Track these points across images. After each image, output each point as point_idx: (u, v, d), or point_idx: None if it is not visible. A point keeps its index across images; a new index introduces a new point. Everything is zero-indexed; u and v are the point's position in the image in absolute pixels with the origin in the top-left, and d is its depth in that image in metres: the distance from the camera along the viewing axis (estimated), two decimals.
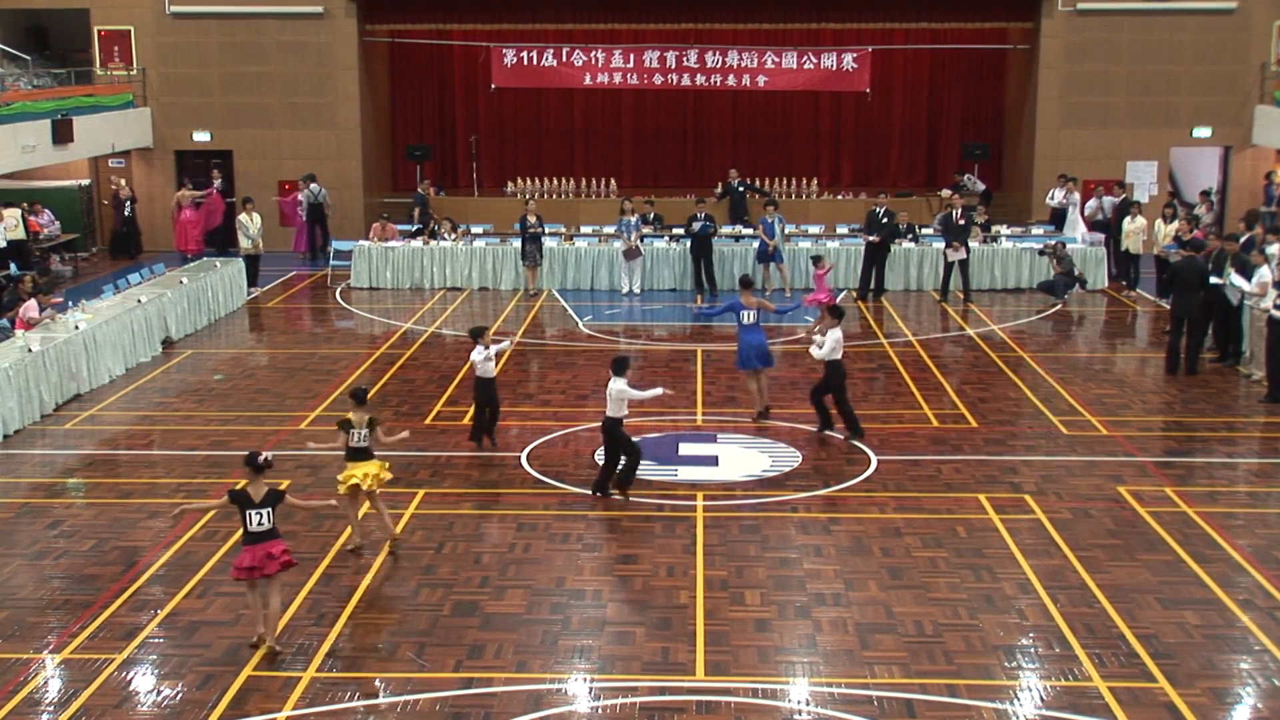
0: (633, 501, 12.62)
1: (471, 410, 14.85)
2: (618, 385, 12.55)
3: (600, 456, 13.22)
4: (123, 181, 28.66)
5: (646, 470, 13.38)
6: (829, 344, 14.41)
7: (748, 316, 15.22)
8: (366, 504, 11.49)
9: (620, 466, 12.78)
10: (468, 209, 28.60)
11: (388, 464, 11.52)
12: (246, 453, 9.66)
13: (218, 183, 28.05)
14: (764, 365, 15.47)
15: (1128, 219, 23.85)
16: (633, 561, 11.21)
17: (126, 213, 28.41)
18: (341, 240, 26.46)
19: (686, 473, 13.60)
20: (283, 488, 9.85)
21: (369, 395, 11.74)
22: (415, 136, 31.38)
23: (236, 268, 23.18)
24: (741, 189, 27.22)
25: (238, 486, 9.71)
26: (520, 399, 16.61)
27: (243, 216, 24.41)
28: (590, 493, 12.79)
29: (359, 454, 11.29)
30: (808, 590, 10.57)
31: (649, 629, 9.86)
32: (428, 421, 15.55)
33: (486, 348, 14.29)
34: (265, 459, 9.58)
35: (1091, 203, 25.90)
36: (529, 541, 11.65)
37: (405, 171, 31.02)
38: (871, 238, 23.38)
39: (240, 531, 9.58)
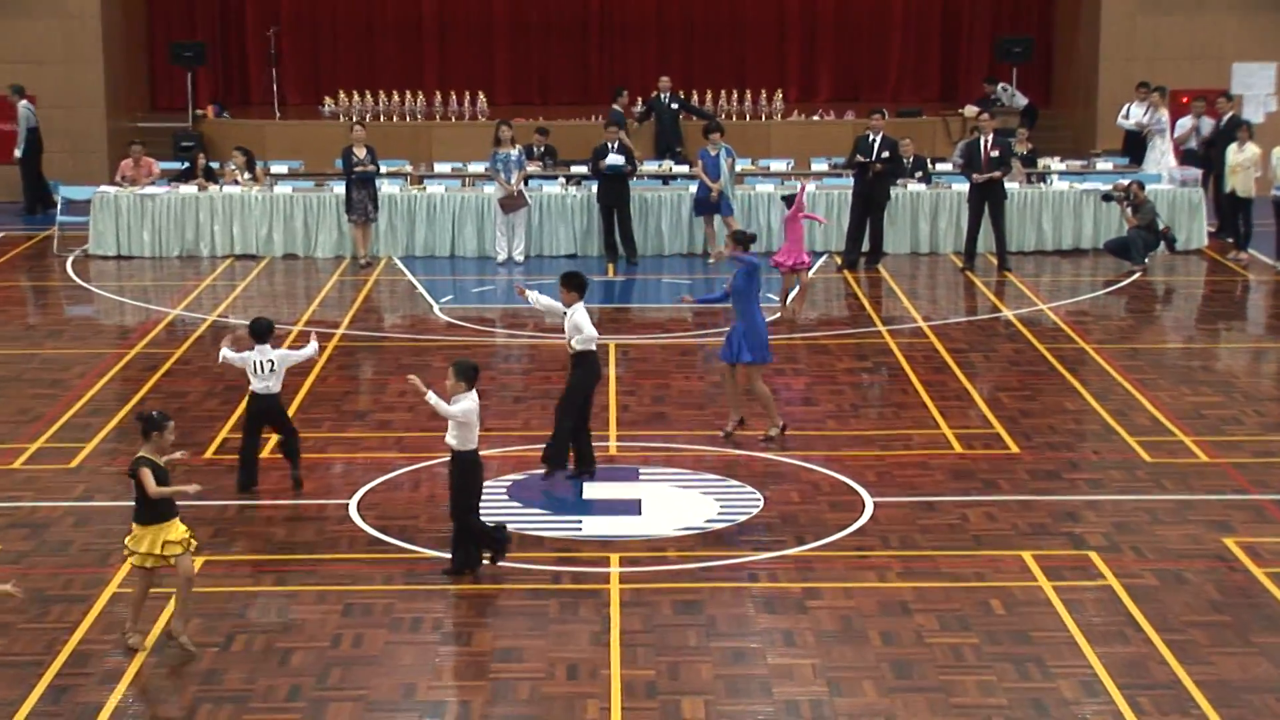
0: (517, 570, 12.57)
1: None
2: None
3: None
4: None
5: (538, 522, 13.38)
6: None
7: None
8: None
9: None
10: (265, 138, 28.41)
11: None
12: None
13: None
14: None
15: (1233, 147, 24.19)
16: (516, 658, 11.19)
17: None
18: (73, 186, 26.07)
19: (595, 525, 13.61)
20: None
21: None
22: (184, 31, 31.16)
23: None
24: (675, 107, 27.27)
25: None
26: (347, 420, 16.52)
27: None
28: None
29: None
30: (774, 696, 10.61)
31: None
32: (208, 455, 15.40)
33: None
34: None
35: (1184, 122, 26.23)
36: (361, 631, 11.59)
37: (169, 81, 30.78)
38: (861, 158, 23.10)
39: None
